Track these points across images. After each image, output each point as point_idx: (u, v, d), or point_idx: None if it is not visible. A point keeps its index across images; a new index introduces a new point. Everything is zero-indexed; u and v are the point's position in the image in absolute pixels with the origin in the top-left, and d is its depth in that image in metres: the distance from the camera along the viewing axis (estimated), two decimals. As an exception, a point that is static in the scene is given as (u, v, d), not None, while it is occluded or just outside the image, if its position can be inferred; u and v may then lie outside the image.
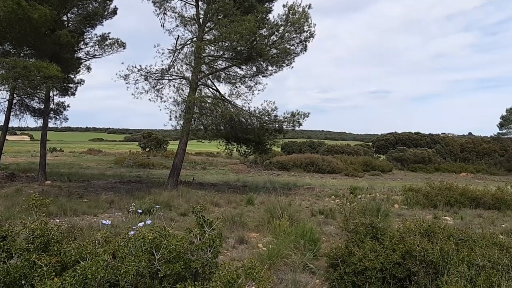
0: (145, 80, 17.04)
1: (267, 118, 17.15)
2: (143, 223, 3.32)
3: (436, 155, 51.60)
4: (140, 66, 16.82)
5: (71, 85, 19.53)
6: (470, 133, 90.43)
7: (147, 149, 54.66)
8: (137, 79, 16.95)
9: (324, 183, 23.82)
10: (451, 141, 61.23)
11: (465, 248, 4.79)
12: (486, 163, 52.41)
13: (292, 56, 16.91)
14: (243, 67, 17.69)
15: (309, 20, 16.25)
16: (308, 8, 16.18)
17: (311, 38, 16.67)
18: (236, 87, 18.09)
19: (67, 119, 20.39)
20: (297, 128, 18.10)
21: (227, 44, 16.23)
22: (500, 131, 68.48)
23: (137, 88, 17.04)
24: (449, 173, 43.04)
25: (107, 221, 4.39)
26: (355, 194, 16.97)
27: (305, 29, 16.35)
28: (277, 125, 17.22)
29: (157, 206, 9.93)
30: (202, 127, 17.80)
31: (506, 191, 16.50)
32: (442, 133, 73.73)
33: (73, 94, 19.83)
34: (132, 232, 2.91)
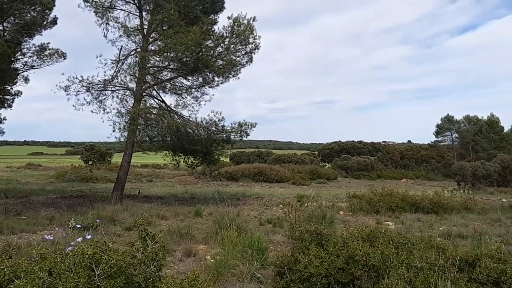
0: (87, 91, 16.54)
1: (214, 129, 17.12)
2: (81, 238, 3.21)
3: (378, 163, 53.57)
4: (81, 76, 16.31)
5: (7, 97, 18.53)
6: (409, 141, 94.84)
7: (90, 162, 52.85)
8: (79, 90, 16.43)
9: (273, 192, 24.05)
10: (392, 149, 63.90)
11: (405, 251, 5.00)
12: (425, 169, 55.12)
13: (238, 67, 17.04)
14: (189, 78, 17.60)
15: (254, 32, 16.47)
16: (253, 21, 16.41)
17: (257, 50, 16.89)
18: (183, 97, 17.97)
19: (3, 132, 19.32)
20: (244, 138, 18.19)
21: (172, 55, 16.11)
22: (436, 139, 72.38)
23: (78, 100, 16.50)
24: (390, 180, 44.82)
25: (50, 236, 4.21)
26: (302, 202, 17.23)
27: (251, 41, 16.55)
28: (224, 135, 17.23)
29: (98, 220, 9.60)
30: (147, 139, 17.47)
31: (443, 195, 17.42)
32: (383, 141, 76.79)
33: (10, 106, 18.82)
34: (69, 248, 2.81)
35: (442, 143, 72.74)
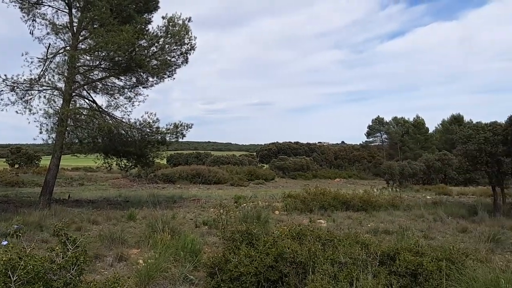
0: (12, 91, 15.57)
1: (148, 130, 16.76)
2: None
3: (314, 163, 55.07)
4: (5, 75, 15.33)
5: None
6: (343, 142, 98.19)
7: (16, 165, 49.77)
8: (2, 90, 15.43)
9: (210, 194, 23.96)
10: (327, 149, 65.99)
11: (331, 248, 5.22)
12: (357, 169, 57.42)
13: (173, 68, 16.84)
14: (122, 77, 17.11)
15: (190, 33, 16.36)
16: (189, 21, 16.28)
17: (192, 51, 16.78)
18: (115, 98, 17.42)
19: None
20: (181, 140, 18.00)
21: (104, 54, 15.59)
22: (367, 139, 75.69)
23: (2, 100, 15.49)
24: (325, 179, 46.24)
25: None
26: (239, 203, 17.37)
27: (186, 42, 16.41)
28: (159, 137, 16.92)
29: (16, 226, 9.11)
30: (77, 140, 16.76)
31: (372, 194, 18.26)
32: (318, 142, 79.12)
33: None
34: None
35: (373, 144, 76.21)
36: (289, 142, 68.64)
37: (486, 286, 4.59)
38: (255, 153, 74.50)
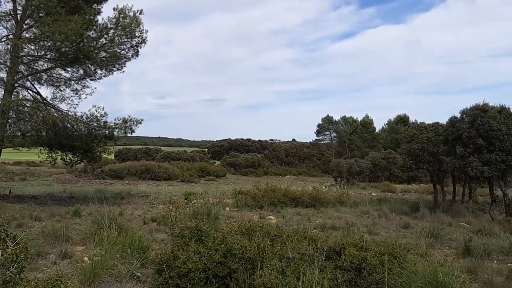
0: None
1: (96, 124, 16.22)
2: None
3: (265, 160, 55.53)
4: None
5: None
6: (294, 139, 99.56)
7: (-49, 159, 46.74)
8: None
9: (160, 190, 23.59)
10: (278, 146, 66.72)
11: (279, 243, 5.31)
12: (307, 166, 58.50)
13: (123, 61, 16.41)
14: (69, 69, 16.45)
15: (141, 25, 16.01)
16: (140, 14, 15.94)
17: (143, 44, 16.43)
18: (61, 90, 16.72)
19: None
20: (129, 135, 17.60)
21: (49, 44, 14.93)
22: (317, 138, 77.31)
23: None
24: (276, 176, 46.74)
25: None
26: (189, 200, 17.23)
27: (137, 34, 16.05)
28: (107, 131, 16.42)
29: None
30: (19, 134, 15.95)
31: (321, 191, 18.69)
32: (270, 140, 79.81)
33: None
34: None
35: (322, 142, 77.92)
36: (241, 139, 68.82)
37: (425, 279, 4.82)
38: (206, 150, 74.10)
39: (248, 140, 68.46)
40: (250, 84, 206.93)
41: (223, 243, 4.97)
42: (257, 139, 70.17)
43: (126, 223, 9.82)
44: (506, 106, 15.27)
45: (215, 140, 79.88)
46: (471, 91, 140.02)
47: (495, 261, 8.47)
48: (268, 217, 13.48)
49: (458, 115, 16.07)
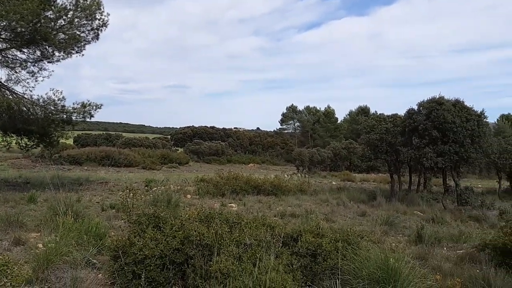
0: None
1: (53, 108, 15.69)
2: None
3: (229, 148, 55.47)
4: None
5: None
6: (258, 128, 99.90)
7: None
8: None
9: (120, 177, 23.18)
10: (242, 135, 66.73)
11: (238, 230, 5.36)
12: (270, 155, 58.92)
13: (82, 44, 15.92)
14: (25, 50, 15.77)
15: (102, 7, 15.56)
16: (101, -5, 15.47)
17: (104, 27, 15.99)
18: (16, 72, 16.02)
19: None
20: (88, 120, 17.16)
21: (4, 24, 14.27)
22: (281, 127, 77.86)
23: None
24: (239, 164, 46.86)
25: None
26: (149, 187, 17.06)
27: (98, 17, 15.60)
28: (65, 115, 15.91)
29: None
30: (-30, 117, 15.26)
31: (282, 179, 18.92)
32: (234, 128, 79.66)
33: None
34: None
35: (286, 131, 78.57)
36: (205, 126, 68.30)
37: (377, 265, 4.99)
38: (169, 137, 73.18)
39: (212, 127, 68.09)
40: (216, 72, 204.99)
41: (181, 229, 4.98)
42: (221, 127, 69.94)
43: (84, 210, 9.62)
44: (460, 100, 15.86)
45: (178, 127, 79.04)
46: (429, 84, 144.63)
47: (445, 248, 8.88)
48: (230, 204, 13.55)
49: (416, 107, 16.59)
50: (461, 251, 8.37)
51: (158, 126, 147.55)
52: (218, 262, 4.39)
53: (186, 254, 4.75)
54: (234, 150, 58.13)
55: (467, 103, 15.83)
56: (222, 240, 4.85)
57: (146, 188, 16.67)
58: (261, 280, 4.25)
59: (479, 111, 15.87)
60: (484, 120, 16.04)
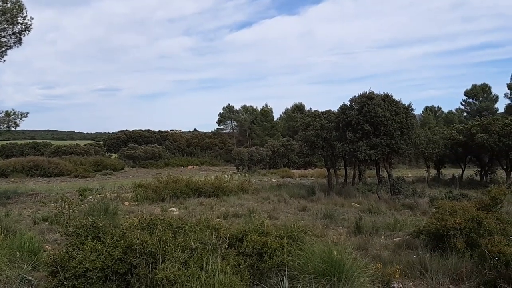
0: None
1: (-27, 118, 14.63)
2: None
3: (166, 151, 54.45)
4: None
5: None
6: (195, 129, 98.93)
7: None
8: None
9: (51, 188, 21.99)
10: (179, 137, 65.80)
11: (182, 235, 5.25)
12: (209, 156, 58.56)
13: (4, 49, 14.95)
14: None
15: (24, 11, 14.70)
16: (22, -2, 14.60)
17: (27, 31, 15.12)
18: None
19: None
20: (14, 129, 16.14)
21: None
22: (219, 127, 77.74)
23: None
24: (178, 167, 46.14)
25: None
26: (84, 196, 16.33)
27: (20, 21, 14.71)
28: (-14, 125, 14.90)
29: None
30: None
31: (223, 179, 18.86)
32: (171, 130, 78.50)
33: None
34: None
35: (224, 131, 78.54)
36: (140, 130, 66.60)
37: (321, 258, 5.11)
38: (102, 142, 70.60)
39: (147, 131, 66.54)
40: (147, 73, 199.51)
41: (122, 239, 4.80)
42: (156, 130, 68.58)
43: (14, 225, 9.05)
44: (389, 94, 16.61)
45: (111, 132, 76.50)
46: (359, 80, 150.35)
47: (382, 237, 9.27)
48: (171, 209, 13.30)
49: (348, 103, 17.15)
50: (398, 238, 8.78)
51: (89, 132, 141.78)
52: (164, 269, 4.28)
53: (129, 263, 4.59)
54: (171, 153, 57.20)
55: (395, 97, 16.61)
56: (166, 247, 4.74)
57: (80, 197, 15.94)
58: (209, 283, 4.20)
59: (406, 104, 16.70)
60: (412, 112, 16.91)
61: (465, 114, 69.11)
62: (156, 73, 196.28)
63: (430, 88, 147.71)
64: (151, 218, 5.67)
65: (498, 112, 62.31)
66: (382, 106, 15.72)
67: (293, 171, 35.33)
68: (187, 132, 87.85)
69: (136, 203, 14.83)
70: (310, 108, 62.04)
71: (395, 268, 5.98)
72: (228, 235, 5.64)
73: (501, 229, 6.52)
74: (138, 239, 4.63)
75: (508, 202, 10.88)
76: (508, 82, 61.27)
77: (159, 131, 68.60)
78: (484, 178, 23.47)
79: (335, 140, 17.53)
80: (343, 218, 11.81)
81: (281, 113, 75.31)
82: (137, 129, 66.94)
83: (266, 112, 71.75)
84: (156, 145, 54.32)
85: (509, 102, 61.56)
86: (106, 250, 4.58)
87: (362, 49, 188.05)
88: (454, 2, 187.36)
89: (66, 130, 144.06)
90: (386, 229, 9.95)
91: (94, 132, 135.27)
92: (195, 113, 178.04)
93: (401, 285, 5.87)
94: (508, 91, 61.19)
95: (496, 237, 6.02)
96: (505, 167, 21.51)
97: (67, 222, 5.16)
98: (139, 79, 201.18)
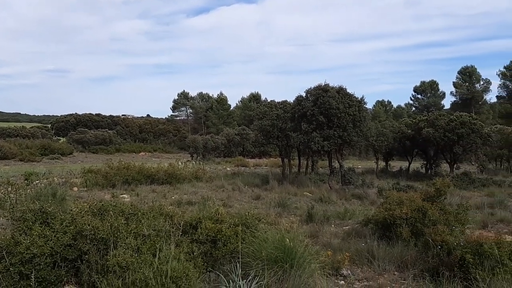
0: None
1: None
2: None
3: (117, 136, 53.13)
4: None
5: None
6: (148, 115, 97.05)
7: None
8: None
9: (-6, 171, 20.95)
10: (131, 122, 64.24)
11: (134, 221, 5.17)
12: (162, 143, 57.68)
13: None
14: None
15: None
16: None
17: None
18: None
19: None
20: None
21: None
22: (173, 113, 76.74)
23: None
24: (129, 153, 45.17)
25: None
26: (30, 180, 15.66)
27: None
28: None
29: None
30: None
31: (177, 167, 18.67)
32: (122, 115, 76.44)
33: None
34: None
35: (178, 118, 77.57)
36: (90, 113, 64.37)
37: (274, 245, 5.20)
38: (50, 125, 67.79)
39: (98, 115, 64.47)
40: (100, 55, 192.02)
41: (72, 224, 4.67)
42: (108, 114, 66.50)
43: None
44: (343, 87, 16.99)
45: (59, 115, 73.42)
46: (315, 71, 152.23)
47: (333, 225, 9.54)
48: (122, 195, 13.03)
49: (304, 94, 17.38)
50: (347, 227, 9.06)
51: (36, 114, 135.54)
52: (116, 255, 4.20)
53: (79, 249, 4.48)
54: (123, 139, 55.84)
55: (349, 90, 17.02)
56: (118, 233, 4.65)
57: (26, 182, 15.28)
58: (162, 270, 4.17)
59: (359, 98, 17.15)
60: (364, 106, 17.37)
61: (413, 109, 71.96)
62: (109, 56, 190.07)
63: (382, 83, 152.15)
64: (102, 204, 5.54)
65: (444, 108, 65.39)
66: (336, 99, 16.05)
67: (248, 160, 35.51)
68: (139, 117, 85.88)
69: (86, 189, 14.43)
70: (266, 98, 62.27)
71: (345, 256, 6.18)
72: (182, 222, 5.61)
73: (444, 219, 6.86)
74: (89, 225, 4.52)
75: (451, 194, 11.52)
76: (454, 80, 64.47)
77: (111, 115, 66.68)
78: (429, 171, 24.59)
79: (290, 131, 17.75)
80: (296, 207, 12.03)
81: (237, 102, 75.26)
82: (88, 112, 64.67)
83: (222, 100, 71.42)
84: (107, 130, 52.80)
85: (455, 99, 64.84)
86: (55, 236, 4.43)
87: (319, 41, 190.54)
88: (408, 0, 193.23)
89: (11, 112, 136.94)
90: (337, 218, 10.25)
91: (42, 114, 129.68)
92: (148, 98, 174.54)
93: (349, 272, 6.08)
94: (454, 89, 64.39)
95: (439, 227, 6.34)
96: (449, 160, 22.59)
97: (13, 207, 4.94)
98: (91, 61, 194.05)
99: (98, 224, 4.64)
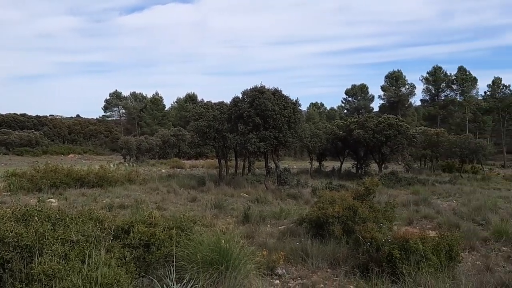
0: None
1: None
2: None
3: (44, 138, 50.45)
4: None
5: None
6: (78, 115, 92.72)
7: None
8: None
9: None
10: (60, 123, 61.25)
11: (62, 227, 4.90)
12: (93, 144, 55.55)
13: None
14: None
15: None
16: None
17: None
18: None
19: None
20: None
21: None
22: (105, 114, 74.14)
23: None
24: (57, 155, 43.09)
25: None
26: None
27: None
28: None
29: None
30: None
31: (108, 169, 18.02)
32: (50, 115, 72.64)
33: None
34: None
35: (110, 118, 75.01)
36: (15, 113, 60.52)
37: (210, 248, 5.15)
38: (-31, 126, 62.95)
39: (23, 115, 60.79)
40: (24, 52, 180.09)
41: (-9, 231, 4.33)
42: (34, 115, 62.93)
43: None
44: (279, 89, 17.27)
45: (-20, 115, 68.33)
46: (251, 73, 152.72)
47: (268, 225, 9.65)
48: (49, 200, 12.35)
49: (240, 96, 17.45)
50: (283, 226, 9.21)
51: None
52: (41, 263, 3.96)
53: (1, 258, 4.18)
54: (51, 140, 53.15)
55: (284, 92, 17.31)
56: (44, 239, 4.39)
57: None
58: (92, 277, 3.98)
59: (294, 100, 17.50)
60: (298, 107, 17.76)
61: (345, 111, 74.93)
62: (35, 53, 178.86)
63: (316, 85, 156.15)
64: (27, 209, 5.21)
65: (373, 110, 68.67)
66: (272, 100, 16.28)
67: (184, 161, 35.06)
68: (69, 118, 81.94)
69: (9, 193, 13.53)
70: (203, 99, 61.89)
71: (280, 255, 6.27)
72: (113, 226, 5.40)
73: (373, 217, 7.18)
74: (11, 232, 4.23)
75: (379, 192, 12.08)
76: (382, 84, 67.89)
77: (37, 116, 63.11)
78: (360, 171, 25.67)
79: (227, 132, 17.75)
80: (232, 208, 12.03)
81: (172, 102, 74.20)
82: (12, 112, 60.76)
83: (156, 100, 70.01)
84: (33, 131, 49.98)
85: (383, 102, 68.32)
86: (-28, 245, 4.10)
87: (255, 43, 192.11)
88: (340, 5, 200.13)
89: None
90: (272, 218, 10.39)
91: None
92: (78, 98, 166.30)
93: (284, 271, 6.18)
94: (382, 93, 67.80)
95: (369, 224, 6.62)
96: (377, 160, 23.70)
97: None
98: (15, 58, 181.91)
99: (22, 231, 4.36)
